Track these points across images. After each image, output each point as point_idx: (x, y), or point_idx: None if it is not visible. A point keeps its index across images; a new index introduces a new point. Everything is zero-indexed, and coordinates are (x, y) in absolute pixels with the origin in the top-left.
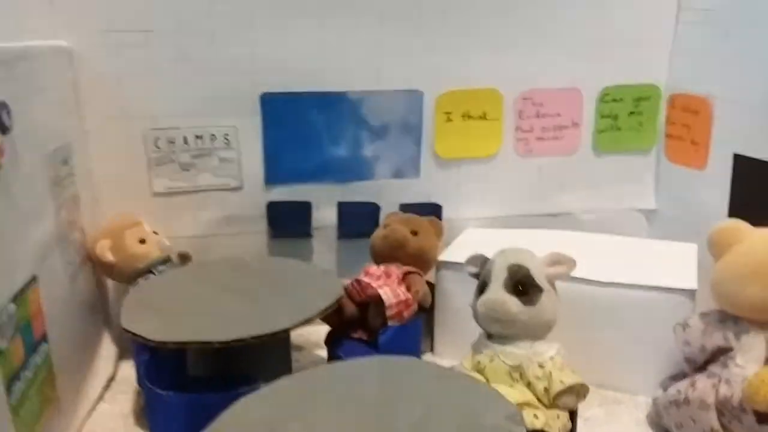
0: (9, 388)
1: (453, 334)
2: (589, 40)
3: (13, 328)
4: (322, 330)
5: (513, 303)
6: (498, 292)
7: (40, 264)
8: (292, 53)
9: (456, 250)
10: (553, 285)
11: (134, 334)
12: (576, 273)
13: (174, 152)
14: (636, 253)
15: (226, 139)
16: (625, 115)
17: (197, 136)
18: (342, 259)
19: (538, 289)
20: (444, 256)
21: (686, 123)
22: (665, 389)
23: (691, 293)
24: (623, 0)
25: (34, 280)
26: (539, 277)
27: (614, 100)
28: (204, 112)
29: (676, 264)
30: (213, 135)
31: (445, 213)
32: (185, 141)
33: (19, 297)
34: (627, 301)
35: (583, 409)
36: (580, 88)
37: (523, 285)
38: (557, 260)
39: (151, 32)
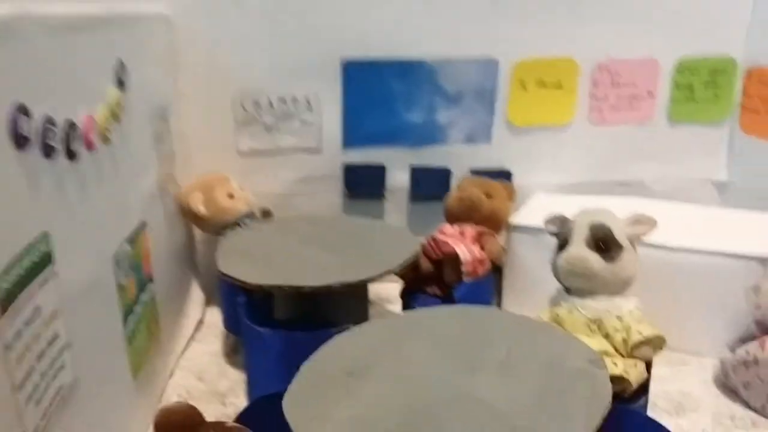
0: (125, 321)
1: (522, 293)
2: (667, 11)
3: (129, 267)
4: (391, 287)
5: (594, 259)
6: (580, 249)
7: (148, 211)
8: (373, 21)
9: (527, 214)
10: (633, 244)
11: (232, 277)
12: (649, 238)
13: (259, 114)
14: (708, 221)
15: (308, 103)
16: (701, 87)
17: (281, 99)
18: (413, 220)
19: (619, 247)
20: (515, 219)
21: (763, 96)
22: (733, 351)
23: (763, 261)
24: None
25: (143, 224)
26: (620, 235)
27: (690, 72)
28: (288, 76)
29: (749, 232)
30: (295, 98)
31: (516, 179)
32: (270, 104)
33: (132, 239)
34: (697, 267)
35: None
36: (656, 59)
37: (604, 242)
38: (638, 220)
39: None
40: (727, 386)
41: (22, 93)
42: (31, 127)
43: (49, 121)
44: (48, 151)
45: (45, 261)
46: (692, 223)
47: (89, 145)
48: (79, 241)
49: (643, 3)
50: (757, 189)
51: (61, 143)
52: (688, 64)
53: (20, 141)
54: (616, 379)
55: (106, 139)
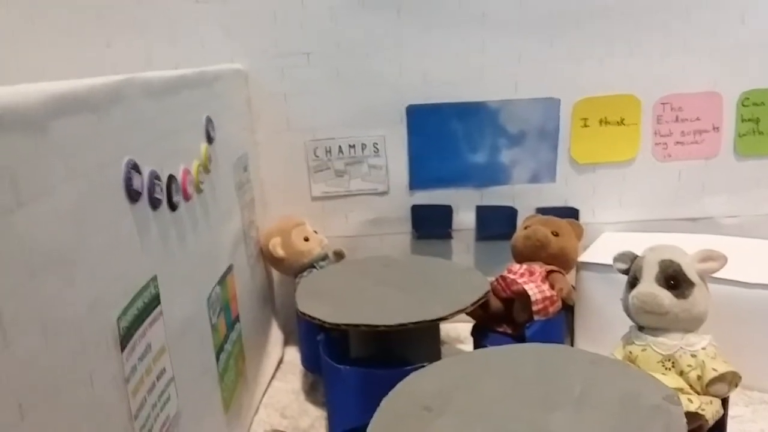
0: (217, 358)
1: (593, 332)
2: (728, 44)
3: (219, 307)
4: (461, 327)
5: (665, 296)
6: (650, 286)
7: (234, 255)
8: (435, 67)
9: (596, 252)
10: (704, 280)
11: (311, 317)
12: (721, 274)
13: (330, 160)
14: None
15: (375, 148)
16: (767, 119)
17: (350, 146)
18: (480, 260)
19: (690, 284)
20: (584, 257)
21: None
22: None
23: None
24: (760, 1)
25: (230, 268)
26: (690, 271)
27: (755, 104)
28: (356, 123)
29: None
30: (364, 144)
31: (582, 217)
32: (340, 150)
33: (222, 281)
34: None
35: (729, 409)
36: (719, 92)
37: (674, 279)
38: (709, 256)
39: (312, 54)
40: None
41: (134, 151)
42: (141, 183)
43: (156, 177)
44: (155, 203)
45: (155, 302)
46: (766, 258)
47: (186, 196)
48: (180, 284)
49: (703, 36)
50: None
51: (164, 195)
52: (752, 96)
53: (133, 195)
54: (691, 416)
55: (199, 190)
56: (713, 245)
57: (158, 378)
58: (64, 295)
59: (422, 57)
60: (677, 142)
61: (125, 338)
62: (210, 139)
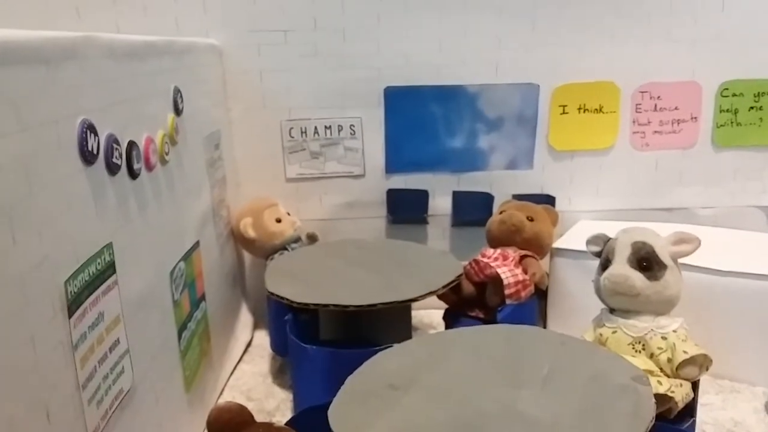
0: (179, 335)
1: (565, 318)
2: (709, 34)
3: (183, 284)
4: (434, 313)
5: (637, 277)
6: (622, 268)
7: (201, 232)
8: (414, 49)
9: (571, 239)
10: (676, 263)
11: (279, 296)
12: (694, 262)
13: (305, 141)
14: (756, 246)
15: (352, 130)
16: (745, 110)
17: (326, 127)
18: (455, 245)
19: (662, 266)
20: (559, 243)
21: None
22: None
23: None
24: None
25: (197, 244)
26: (663, 253)
27: (734, 95)
28: (333, 104)
29: None
30: (340, 126)
31: (558, 205)
32: (315, 131)
33: (187, 257)
34: (746, 291)
35: (700, 397)
36: (698, 82)
37: (647, 261)
38: (681, 239)
39: (290, 32)
40: None
41: (90, 111)
42: (97, 145)
43: (114, 140)
44: (112, 167)
45: (109, 270)
46: (740, 248)
47: (149, 166)
48: (139, 255)
49: (685, 25)
50: None
51: (124, 161)
52: (731, 87)
53: (88, 157)
54: (661, 398)
55: (164, 161)
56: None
57: (111, 349)
58: (6, 250)
59: (402, 38)
60: (655, 132)
61: (74, 303)
62: (178, 111)
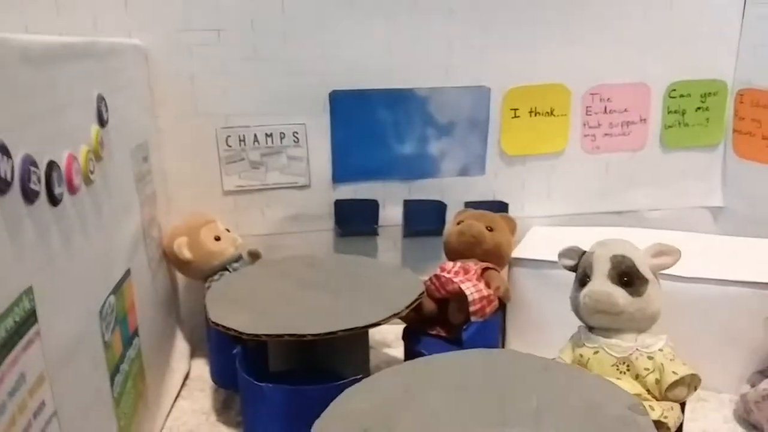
0: (112, 381)
1: (526, 331)
2: (656, 36)
3: (114, 321)
4: (388, 330)
5: (619, 294)
6: (603, 284)
7: (132, 258)
8: (361, 51)
9: (527, 248)
10: (657, 276)
11: (226, 327)
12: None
13: (244, 150)
14: (711, 249)
15: (296, 137)
16: (692, 111)
17: (267, 135)
18: (407, 257)
19: (644, 280)
20: (516, 253)
21: (756, 118)
22: (753, 385)
23: None
24: None
25: (128, 273)
26: (643, 267)
27: (681, 96)
28: (274, 110)
29: (754, 259)
30: (282, 133)
31: (511, 210)
32: (255, 139)
33: (117, 290)
34: (710, 297)
35: None
36: (647, 83)
37: (628, 276)
38: (662, 251)
39: (223, 31)
40: (748, 422)
41: (0, 131)
42: (11, 170)
43: (32, 163)
44: (30, 195)
45: (30, 320)
46: (697, 252)
47: (72, 188)
48: (63, 296)
49: (633, 28)
50: (752, 213)
51: (43, 186)
52: (679, 88)
53: (1, 186)
54: (655, 425)
55: (89, 181)
56: (640, 239)
57: (35, 415)
58: None
59: (348, 40)
60: (605, 134)
61: None
62: (102, 122)
